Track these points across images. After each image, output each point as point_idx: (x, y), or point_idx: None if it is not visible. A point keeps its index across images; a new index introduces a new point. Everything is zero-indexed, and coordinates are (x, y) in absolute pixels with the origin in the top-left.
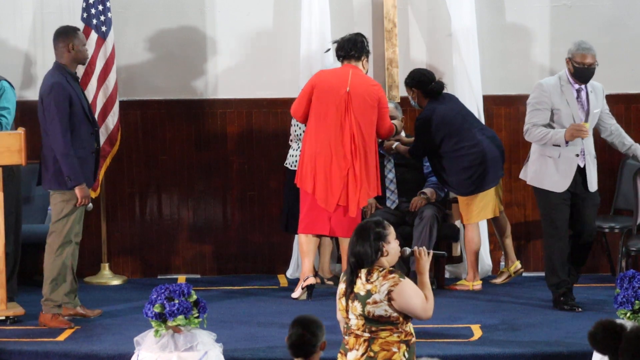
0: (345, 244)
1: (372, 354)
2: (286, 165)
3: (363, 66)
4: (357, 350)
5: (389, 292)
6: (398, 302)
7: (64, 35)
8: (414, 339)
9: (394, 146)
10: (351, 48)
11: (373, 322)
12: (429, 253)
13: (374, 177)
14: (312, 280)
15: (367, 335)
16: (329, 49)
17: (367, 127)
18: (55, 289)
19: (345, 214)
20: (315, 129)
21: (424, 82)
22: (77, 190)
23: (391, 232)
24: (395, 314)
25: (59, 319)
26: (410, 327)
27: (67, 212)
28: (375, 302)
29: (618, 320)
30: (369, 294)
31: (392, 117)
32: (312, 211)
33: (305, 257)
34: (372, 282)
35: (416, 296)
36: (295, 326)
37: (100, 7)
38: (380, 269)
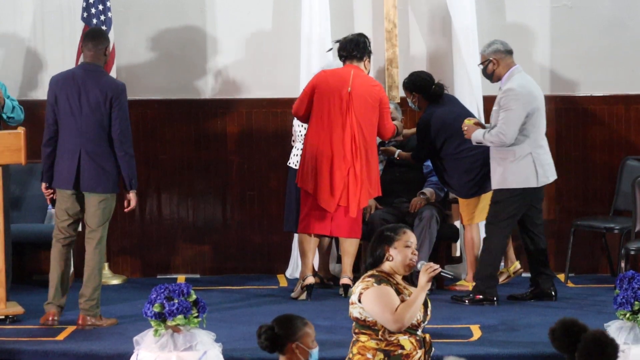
0: (345, 244)
1: (351, 355)
2: (289, 165)
3: (365, 66)
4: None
5: (360, 295)
6: (364, 306)
7: (103, 38)
8: (402, 352)
9: (396, 154)
10: (353, 48)
11: (356, 324)
12: (435, 270)
13: (375, 177)
14: (311, 280)
15: (354, 337)
16: (331, 49)
17: (368, 127)
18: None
19: (346, 215)
20: (317, 129)
21: (425, 87)
22: (134, 193)
23: (401, 238)
24: (370, 319)
25: (107, 318)
26: (400, 339)
27: (111, 214)
28: (352, 303)
29: (581, 321)
30: (351, 294)
31: (393, 118)
32: (313, 211)
33: (304, 256)
34: (356, 284)
35: (381, 304)
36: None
37: (101, 7)
38: (370, 271)
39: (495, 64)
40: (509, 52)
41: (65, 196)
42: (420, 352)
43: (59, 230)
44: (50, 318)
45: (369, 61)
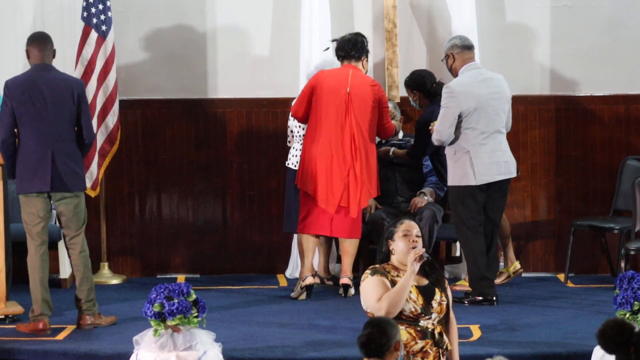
0: (345, 244)
1: None
2: (288, 165)
3: (363, 66)
4: None
5: (359, 287)
6: (362, 297)
7: (49, 40)
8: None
9: (390, 152)
10: (351, 48)
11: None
12: (418, 252)
13: (374, 177)
14: (310, 280)
15: None
16: (327, 48)
17: (368, 127)
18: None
19: (347, 215)
20: (316, 130)
21: (425, 85)
22: None
23: (399, 229)
24: (369, 310)
25: (106, 316)
26: (403, 330)
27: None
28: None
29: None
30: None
31: (391, 117)
32: (313, 211)
33: (304, 256)
34: None
35: (370, 293)
36: (367, 326)
37: (101, 6)
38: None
39: (452, 59)
40: (467, 47)
41: (33, 199)
42: (421, 343)
43: (33, 237)
44: (42, 328)
45: (367, 61)
